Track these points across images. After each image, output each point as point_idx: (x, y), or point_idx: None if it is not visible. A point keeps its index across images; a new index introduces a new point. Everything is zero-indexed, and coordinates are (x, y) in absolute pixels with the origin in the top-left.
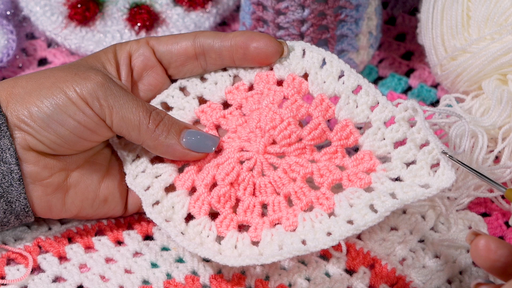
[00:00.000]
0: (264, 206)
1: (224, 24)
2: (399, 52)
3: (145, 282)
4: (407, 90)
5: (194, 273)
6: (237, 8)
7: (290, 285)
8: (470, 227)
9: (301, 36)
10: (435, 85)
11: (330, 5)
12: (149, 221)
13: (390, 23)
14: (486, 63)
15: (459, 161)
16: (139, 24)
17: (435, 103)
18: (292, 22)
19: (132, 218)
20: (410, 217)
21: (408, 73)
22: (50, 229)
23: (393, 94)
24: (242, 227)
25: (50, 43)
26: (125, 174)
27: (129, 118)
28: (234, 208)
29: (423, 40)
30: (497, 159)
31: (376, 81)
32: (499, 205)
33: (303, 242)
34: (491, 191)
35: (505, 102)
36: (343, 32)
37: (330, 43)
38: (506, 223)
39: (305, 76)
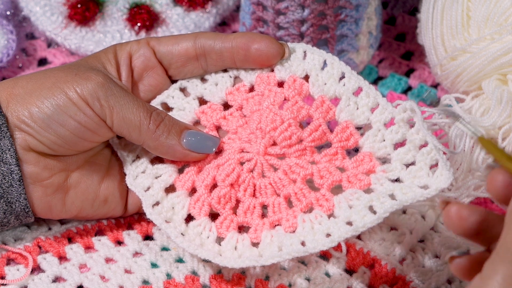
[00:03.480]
0: (264, 207)
1: (224, 24)
2: (399, 52)
3: (145, 282)
4: (407, 90)
5: (194, 273)
6: (237, 8)
7: (290, 285)
8: None
9: (301, 36)
10: (435, 85)
11: (330, 5)
12: (149, 221)
13: (390, 23)
14: (486, 63)
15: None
16: (139, 24)
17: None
18: (292, 22)
19: (132, 218)
20: (410, 217)
21: (408, 73)
22: (50, 229)
23: (393, 94)
24: (242, 228)
25: (50, 43)
26: (125, 174)
27: (130, 118)
28: (234, 209)
29: (423, 40)
30: None
31: (376, 81)
32: (498, 205)
33: (303, 244)
34: None
35: (505, 102)
36: (343, 32)
37: (330, 43)
38: None
39: (306, 78)
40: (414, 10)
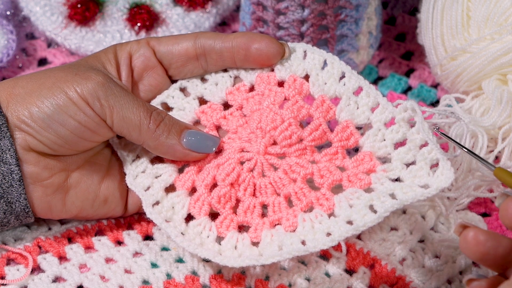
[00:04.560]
0: (264, 206)
1: (224, 24)
2: (399, 52)
3: (145, 282)
4: (407, 90)
5: (194, 273)
6: (237, 8)
7: (290, 285)
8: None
9: (301, 36)
10: (435, 85)
11: (330, 5)
12: (149, 221)
13: (390, 23)
14: (486, 63)
15: (451, 138)
16: (139, 24)
17: (435, 103)
18: (292, 22)
19: (132, 218)
20: (410, 217)
21: (408, 73)
22: (50, 229)
23: (393, 94)
24: (242, 228)
25: (50, 43)
26: (125, 174)
27: (130, 118)
28: (234, 209)
29: (423, 40)
30: (497, 159)
31: (376, 81)
32: None
33: (303, 243)
34: (491, 191)
35: (505, 102)
36: (343, 32)
37: (330, 43)
38: None
39: (306, 77)
40: (414, 10)
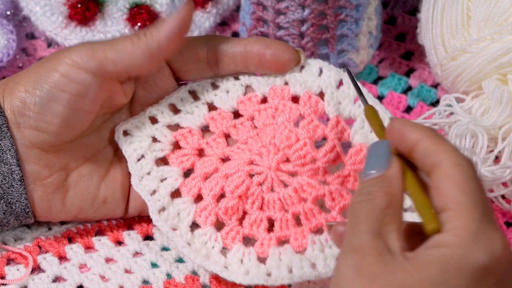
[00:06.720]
0: (271, 222)
1: (224, 24)
2: (399, 52)
3: (145, 282)
4: (407, 90)
5: (194, 273)
6: (237, 8)
7: (290, 285)
8: None
9: (301, 36)
10: (435, 85)
11: (330, 5)
12: (149, 221)
13: (390, 23)
14: (486, 63)
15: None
16: (139, 24)
17: (435, 103)
18: (292, 22)
19: (132, 218)
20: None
21: (408, 73)
22: (50, 229)
23: (393, 94)
24: (248, 241)
25: (50, 43)
26: (129, 174)
27: (121, 46)
28: (241, 221)
29: (423, 40)
30: (497, 159)
31: (376, 81)
32: (499, 205)
33: (313, 266)
34: (491, 191)
35: (505, 102)
36: (343, 32)
37: (330, 43)
38: (506, 223)
39: (321, 94)
40: (414, 10)
